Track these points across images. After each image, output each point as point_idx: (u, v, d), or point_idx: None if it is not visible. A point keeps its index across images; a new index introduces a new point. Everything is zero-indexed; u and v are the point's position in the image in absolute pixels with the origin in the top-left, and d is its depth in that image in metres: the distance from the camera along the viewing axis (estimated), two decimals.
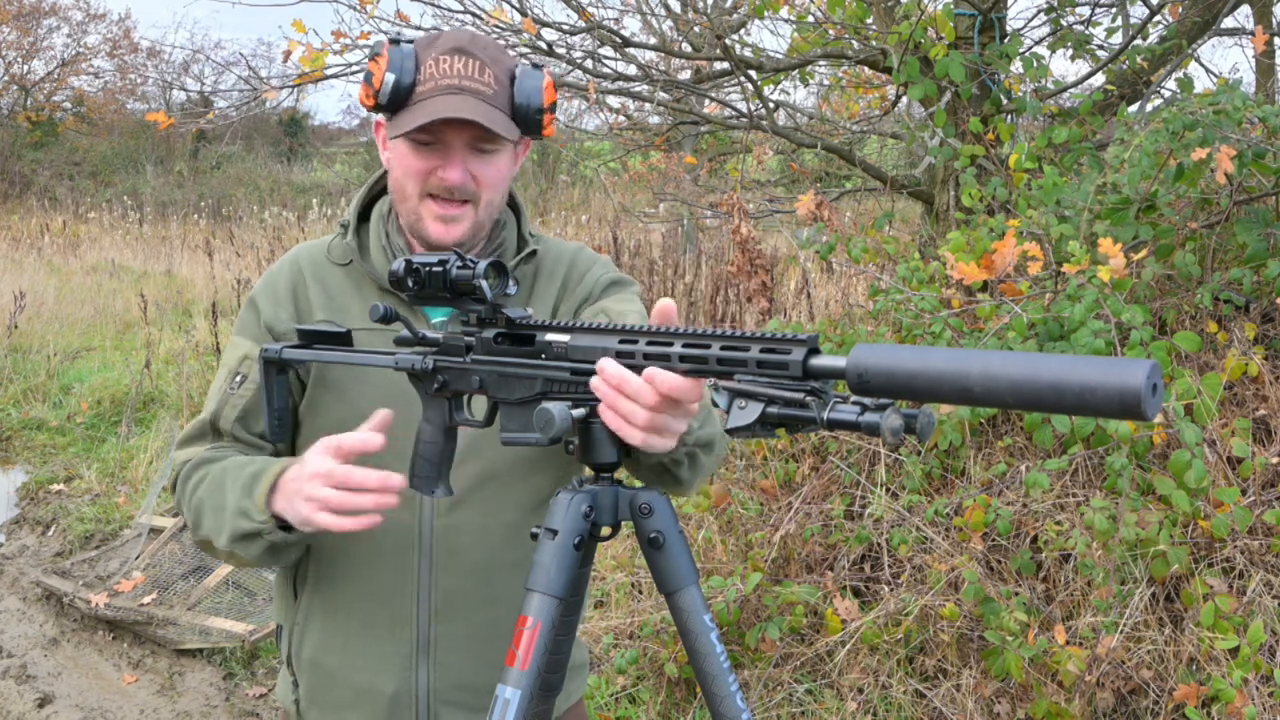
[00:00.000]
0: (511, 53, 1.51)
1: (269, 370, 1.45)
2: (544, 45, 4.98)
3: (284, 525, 1.34)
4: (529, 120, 1.45)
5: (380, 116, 1.48)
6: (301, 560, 1.55)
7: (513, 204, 1.60)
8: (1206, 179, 3.32)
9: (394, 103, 1.41)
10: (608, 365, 1.08)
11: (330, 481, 1.24)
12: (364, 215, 1.59)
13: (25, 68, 24.78)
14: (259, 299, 1.55)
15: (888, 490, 3.44)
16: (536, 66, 1.47)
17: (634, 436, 1.09)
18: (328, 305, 1.52)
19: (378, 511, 1.26)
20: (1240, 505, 2.73)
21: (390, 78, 1.39)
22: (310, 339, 1.43)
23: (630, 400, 1.07)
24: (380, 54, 1.41)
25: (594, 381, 1.09)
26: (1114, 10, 5.33)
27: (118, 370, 8.35)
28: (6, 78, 24.40)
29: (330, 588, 1.53)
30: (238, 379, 1.50)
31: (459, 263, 1.24)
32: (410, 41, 1.44)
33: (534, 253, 1.57)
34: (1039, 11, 5.29)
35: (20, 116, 23.94)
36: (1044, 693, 2.76)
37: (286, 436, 1.50)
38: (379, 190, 1.60)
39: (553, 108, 1.47)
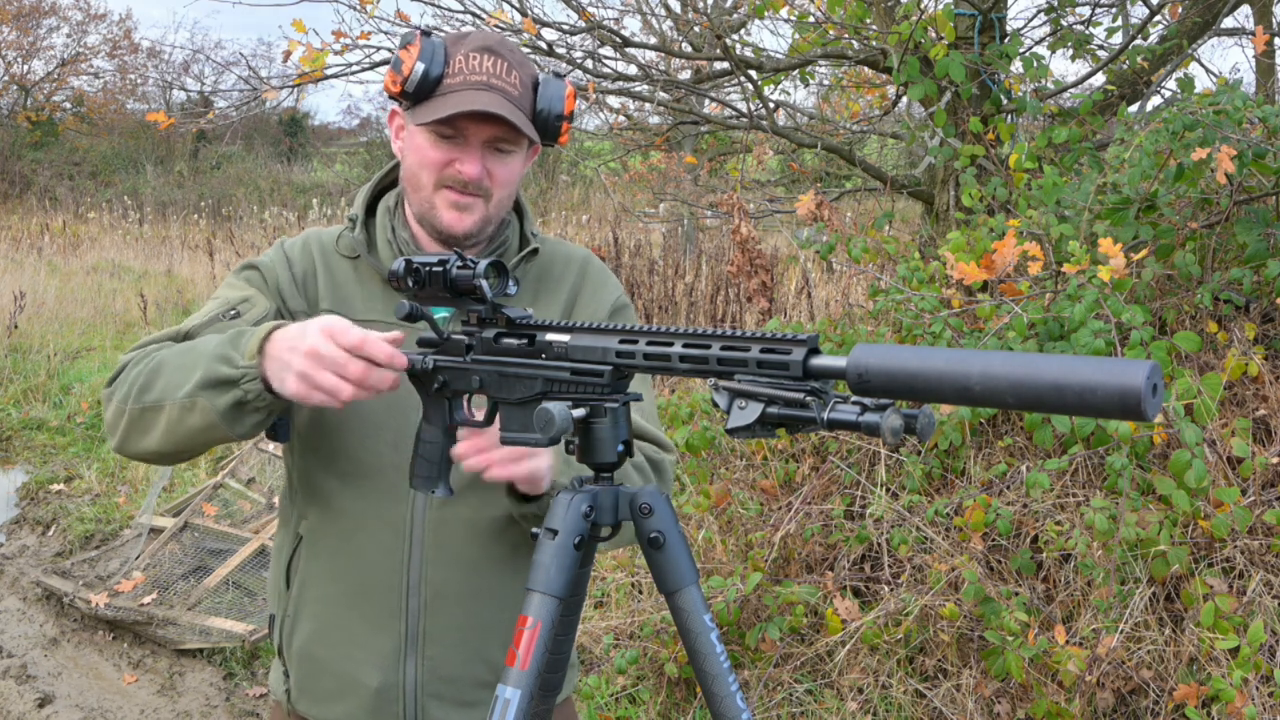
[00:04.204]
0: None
1: None
2: (544, 45, 4.98)
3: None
4: (548, 126, 1.48)
5: (398, 105, 1.49)
6: (295, 550, 1.56)
7: (517, 205, 1.62)
8: (1206, 179, 3.32)
9: (420, 92, 1.42)
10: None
11: (323, 364, 1.22)
12: (371, 210, 1.60)
13: (25, 68, 24.78)
14: (275, 266, 1.54)
15: (888, 490, 3.44)
16: (559, 76, 1.50)
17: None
18: (333, 295, 1.53)
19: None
20: (1240, 505, 2.73)
21: (420, 67, 1.41)
22: None
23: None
24: (412, 43, 1.42)
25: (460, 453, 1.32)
26: (1114, 10, 5.33)
27: None
28: (6, 78, 24.39)
29: (321, 578, 1.54)
30: (232, 313, 1.46)
31: (459, 263, 1.24)
32: (441, 36, 1.46)
33: (535, 251, 1.58)
34: (1039, 11, 5.29)
35: (20, 116, 23.92)
36: (1044, 693, 2.76)
37: (289, 435, 1.50)
38: (386, 184, 1.61)
39: (571, 117, 1.49)
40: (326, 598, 1.53)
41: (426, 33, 1.44)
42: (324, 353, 1.22)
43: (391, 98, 1.46)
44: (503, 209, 1.52)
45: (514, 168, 1.49)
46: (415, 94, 1.42)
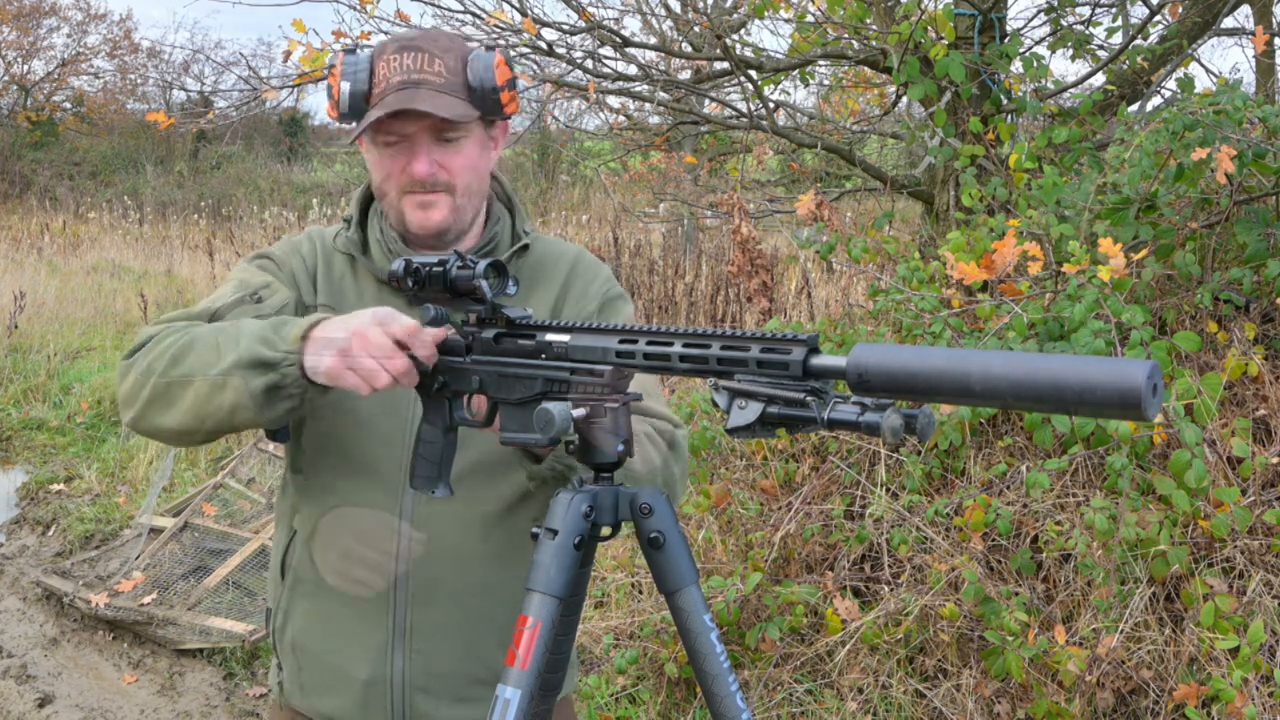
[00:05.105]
0: (473, 43, 1.52)
1: None
2: (544, 45, 4.98)
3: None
4: (487, 100, 1.46)
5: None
6: (290, 542, 1.57)
7: (509, 202, 1.61)
8: (1206, 179, 3.32)
9: (354, 110, 1.44)
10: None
11: (369, 348, 1.23)
12: (366, 211, 1.61)
13: (25, 68, 24.76)
14: (288, 257, 1.55)
15: (888, 490, 3.44)
16: (489, 48, 1.48)
17: None
18: (329, 291, 1.54)
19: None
20: (1240, 505, 2.73)
21: (345, 86, 1.43)
22: None
23: None
24: (335, 66, 1.44)
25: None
26: (1114, 10, 5.33)
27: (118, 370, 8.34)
28: (6, 78, 24.37)
29: (313, 571, 1.54)
30: (255, 296, 1.45)
31: (459, 263, 1.25)
32: (368, 49, 1.47)
33: (525, 247, 1.58)
34: (1039, 11, 5.29)
35: (20, 116, 23.90)
36: (1044, 693, 2.76)
37: (289, 435, 1.50)
38: None
39: (511, 85, 1.48)
40: (318, 589, 1.54)
41: (351, 50, 1.45)
42: (371, 338, 1.23)
43: (336, 122, 1.48)
44: (474, 196, 1.52)
45: (469, 153, 1.48)
46: (352, 112, 1.44)
